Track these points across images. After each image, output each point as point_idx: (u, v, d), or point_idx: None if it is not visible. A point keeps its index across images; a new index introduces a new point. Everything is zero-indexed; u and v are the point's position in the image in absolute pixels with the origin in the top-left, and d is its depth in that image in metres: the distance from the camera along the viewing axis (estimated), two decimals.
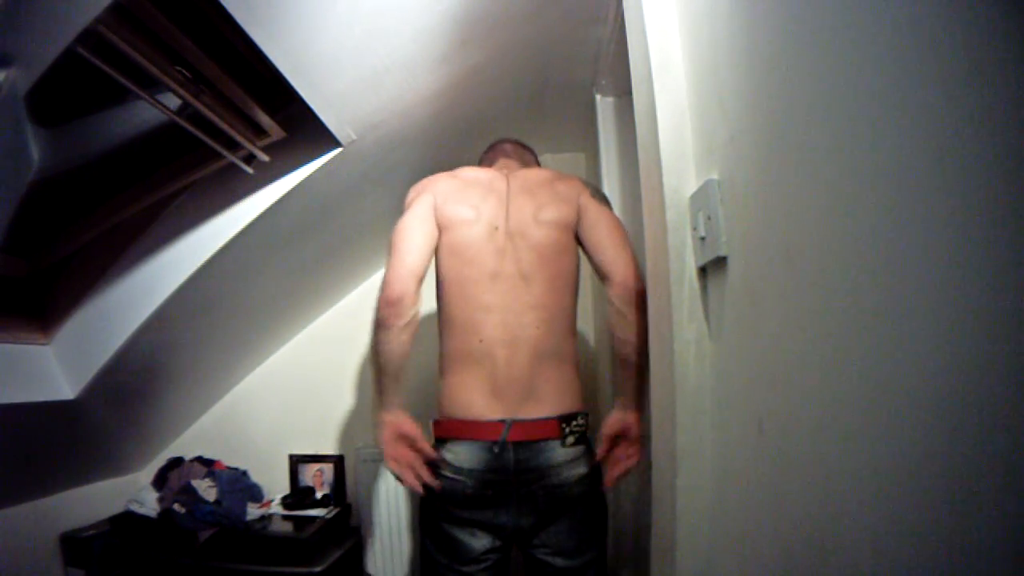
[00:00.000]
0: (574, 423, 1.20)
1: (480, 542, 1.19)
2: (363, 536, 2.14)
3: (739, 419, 0.71)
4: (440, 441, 1.23)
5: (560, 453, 1.17)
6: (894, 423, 0.41)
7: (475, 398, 1.20)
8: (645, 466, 1.21)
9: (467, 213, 1.27)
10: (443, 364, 1.27)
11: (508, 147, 1.52)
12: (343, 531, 2.12)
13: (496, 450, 1.16)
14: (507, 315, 1.22)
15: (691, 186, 0.83)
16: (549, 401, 1.20)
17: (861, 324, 0.45)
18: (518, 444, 1.17)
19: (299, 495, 2.15)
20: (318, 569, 1.79)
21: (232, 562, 1.83)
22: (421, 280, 1.23)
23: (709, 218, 0.75)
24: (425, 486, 1.19)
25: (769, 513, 0.63)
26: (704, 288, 0.82)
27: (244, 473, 2.15)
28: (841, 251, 0.48)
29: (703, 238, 0.77)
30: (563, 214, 1.28)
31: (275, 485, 2.21)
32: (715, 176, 0.75)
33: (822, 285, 0.51)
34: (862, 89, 0.44)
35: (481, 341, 1.22)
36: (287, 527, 1.98)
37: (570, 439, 1.18)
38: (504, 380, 1.20)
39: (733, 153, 0.70)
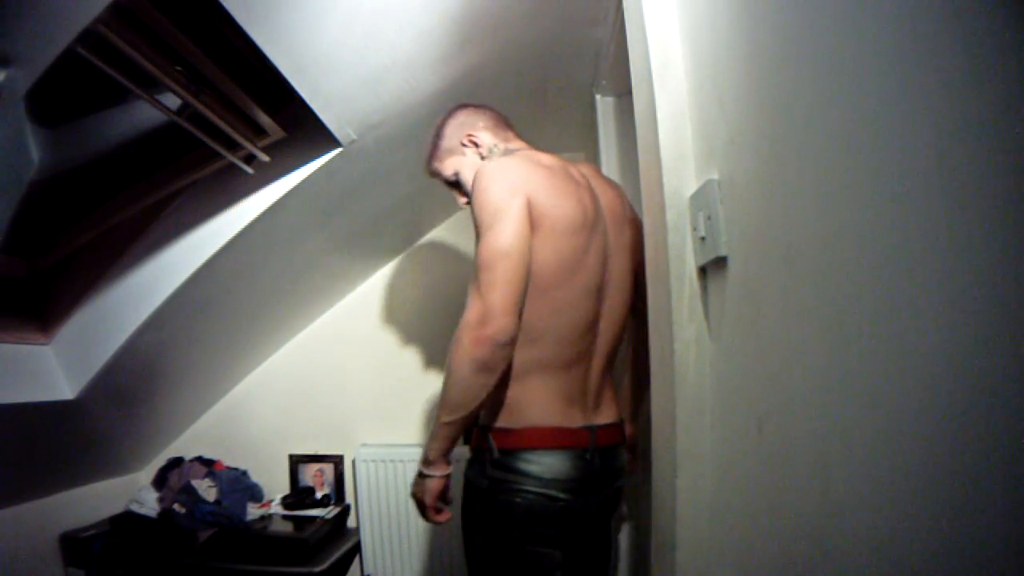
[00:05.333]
0: (625, 427, 1.23)
1: (556, 553, 1.10)
2: (363, 536, 2.14)
3: (739, 419, 0.71)
4: (512, 452, 1.08)
5: (624, 457, 1.19)
6: (894, 423, 0.41)
7: (558, 405, 1.10)
8: (645, 466, 1.22)
9: (574, 214, 1.09)
10: (521, 370, 1.09)
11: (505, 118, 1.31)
12: (343, 531, 2.13)
13: (588, 457, 1.09)
14: (606, 326, 1.15)
15: (691, 186, 0.83)
16: (610, 406, 1.19)
17: (861, 324, 0.45)
18: (603, 450, 1.12)
19: (299, 495, 2.16)
20: (318, 569, 1.79)
21: (232, 562, 1.83)
22: None
23: (709, 218, 0.75)
24: (506, 505, 1.07)
25: (769, 513, 0.63)
26: (704, 288, 0.82)
27: (244, 473, 2.15)
28: (841, 251, 0.48)
29: (703, 238, 0.77)
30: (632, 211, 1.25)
31: (275, 485, 2.21)
32: (715, 176, 0.75)
33: (822, 285, 0.51)
34: (862, 89, 0.44)
35: (579, 353, 1.12)
36: (287, 527, 1.99)
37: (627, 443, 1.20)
38: (584, 387, 1.13)
39: (733, 153, 0.70)
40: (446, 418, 1.03)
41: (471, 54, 1.43)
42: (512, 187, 1.05)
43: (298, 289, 2.06)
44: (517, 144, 1.27)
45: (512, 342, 1.00)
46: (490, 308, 0.98)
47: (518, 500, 1.05)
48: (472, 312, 0.99)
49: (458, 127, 1.27)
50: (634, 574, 1.64)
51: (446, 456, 1.08)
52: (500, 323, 0.98)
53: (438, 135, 1.28)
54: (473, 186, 1.08)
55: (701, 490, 0.82)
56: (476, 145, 1.25)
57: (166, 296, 1.52)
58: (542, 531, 1.07)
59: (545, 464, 1.06)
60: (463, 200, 1.27)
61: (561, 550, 1.11)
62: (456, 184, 1.28)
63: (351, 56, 1.23)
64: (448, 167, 1.27)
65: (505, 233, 1.01)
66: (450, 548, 2.10)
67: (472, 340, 0.98)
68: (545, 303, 1.07)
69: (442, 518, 1.13)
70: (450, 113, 1.30)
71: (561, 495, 1.06)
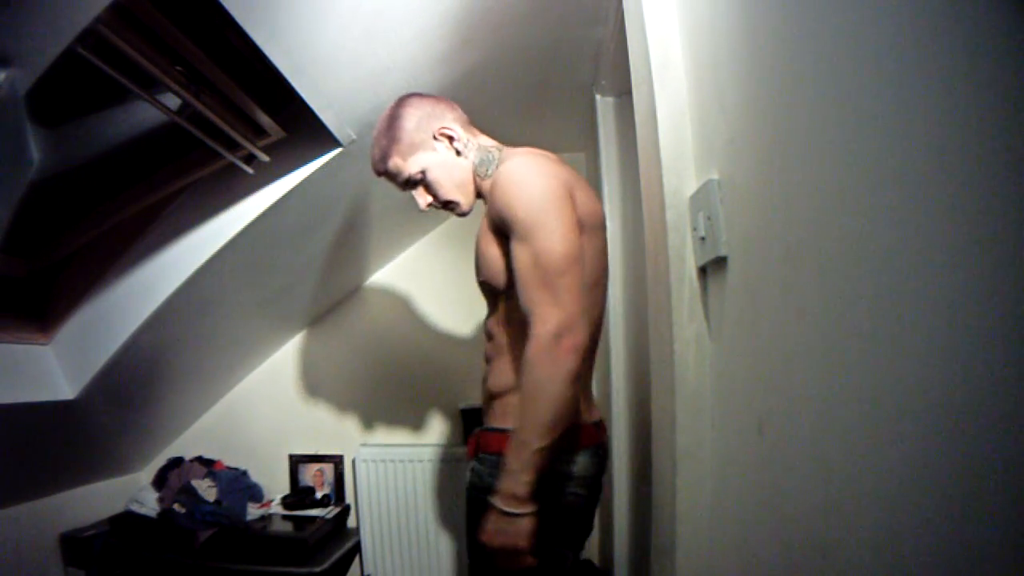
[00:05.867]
0: None
1: (570, 552, 1.09)
2: (363, 536, 2.14)
3: (739, 419, 0.71)
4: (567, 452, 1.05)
5: None
6: (894, 423, 0.41)
7: (583, 404, 1.06)
8: (645, 465, 1.21)
9: (598, 211, 1.10)
10: None
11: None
12: (343, 531, 2.12)
13: (601, 452, 1.08)
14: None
15: (691, 186, 0.83)
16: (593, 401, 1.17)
17: (861, 324, 0.45)
18: (605, 445, 1.12)
19: (299, 495, 2.16)
20: (318, 569, 1.79)
21: (232, 562, 1.83)
22: None
23: (709, 218, 0.75)
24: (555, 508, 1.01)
25: (769, 513, 0.63)
26: (704, 288, 0.82)
27: (244, 473, 2.15)
28: (841, 251, 0.48)
29: (703, 238, 0.77)
30: None
31: (275, 485, 2.21)
32: (715, 176, 0.75)
33: (822, 285, 0.51)
34: (862, 89, 0.44)
35: (594, 350, 1.13)
36: (287, 527, 1.99)
37: None
38: (589, 384, 1.13)
39: (733, 153, 0.70)
40: (542, 443, 0.91)
41: (471, 53, 1.43)
42: (557, 184, 0.99)
43: (298, 289, 2.06)
44: (490, 141, 1.17)
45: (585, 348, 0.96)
46: (572, 315, 0.93)
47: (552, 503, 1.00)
48: (553, 323, 0.92)
49: (424, 119, 1.12)
50: (634, 574, 1.64)
51: (532, 489, 0.93)
52: (584, 330, 0.94)
53: (397, 127, 1.11)
54: (507, 183, 1.00)
55: (701, 490, 0.82)
56: (450, 139, 1.12)
57: (166, 296, 1.52)
58: (568, 530, 1.04)
59: (579, 463, 1.03)
60: (426, 200, 1.15)
61: (573, 549, 1.08)
62: (419, 183, 1.14)
63: (351, 56, 1.23)
64: (413, 164, 1.12)
65: (569, 235, 0.96)
66: (450, 548, 2.10)
67: (565, 351, 0.91)
68: (586, 303, 1.02)
69: (533, 561, 0.96)
70: (405, 103, 1.13)
71: (584, 492, 1.04)
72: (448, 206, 1.16)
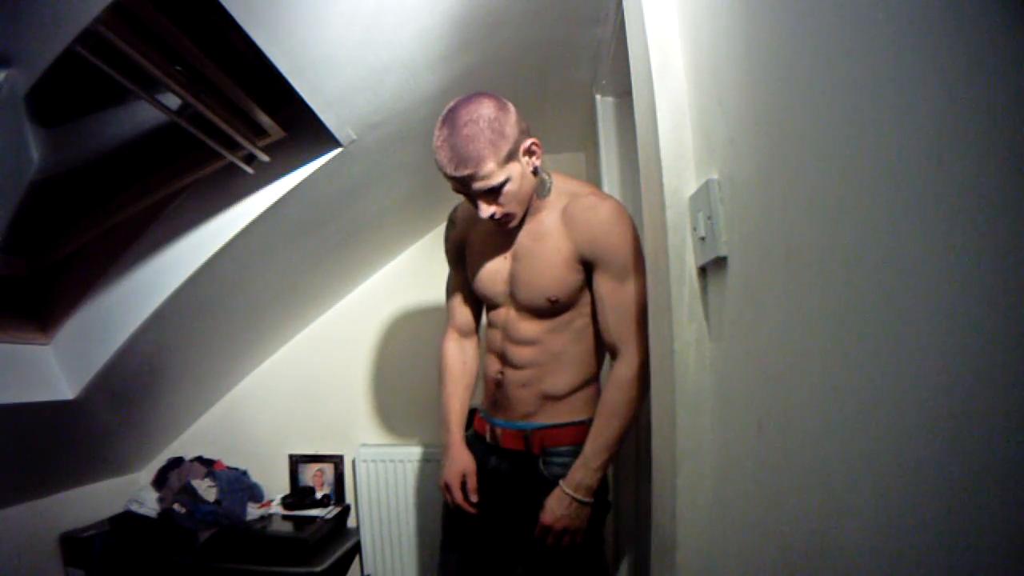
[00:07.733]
0: None
1: None
2: (363, 536, 2.14)
3: (739, 419, 0.71)
4: None
5: None
6: (894, 423, 0.41)
7: None
8: (645, 465, 1.22)
9: None
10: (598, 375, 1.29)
11: None
12: (343, 531, 2.13)
13: None
14: None
15: (691, 186, 0.83)
16: None
17: (861, 324, 0.45)
18: None
19: (299, 495, 2.16)
20: (318, 569, 1.79)
21: (232, 562, 1.83)
22: None
23: (709, 218, 0.75)
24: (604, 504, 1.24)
25: (769, 513, 0.63)
26: (704, 288, 0.82)
27: (244, 473, 2.15)
28: (841, 251, 0.48)
29: (703, 238, 0.77)
30: None
31: (275, 485, 2.21)
32: (715, 176, 0.74)
33: (822, 285, 0.51)
34: (862, 88, 0.44)
35: None
36: (287, 527, 1.99)
37: None
38: None
39: (733, 153, 0.70)
40: (616, 449, 1.14)
41: (471, 53, 1.43)
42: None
43: (298, 289, 2.06)
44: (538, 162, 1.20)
45: None
46: (646, 356, 1.05)
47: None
48: (639, 359, 1.10)
49: (516, 126, 1.08)
50: (634, 574, 1.64)
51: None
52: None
53: (499, 133, 1.05)
54: (616, 226, 1.12)
55: (701, 490, 0.82)
56: (532, 155, 1.12)
57: (166, 296, 1.52)
58: (601, 517, 1.25)
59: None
60: (492, 210, 1.10)
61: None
62: (491, 192, 1.08)
63: (351, 56, 1.23)
64: (503, 173, 1.07)
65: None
66: None
67: (644, 385, 1.09)
68: None
69: (579, 539, 1.17)
70: (502, 105, 1.08)
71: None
72: (506, 217, 1.13)
